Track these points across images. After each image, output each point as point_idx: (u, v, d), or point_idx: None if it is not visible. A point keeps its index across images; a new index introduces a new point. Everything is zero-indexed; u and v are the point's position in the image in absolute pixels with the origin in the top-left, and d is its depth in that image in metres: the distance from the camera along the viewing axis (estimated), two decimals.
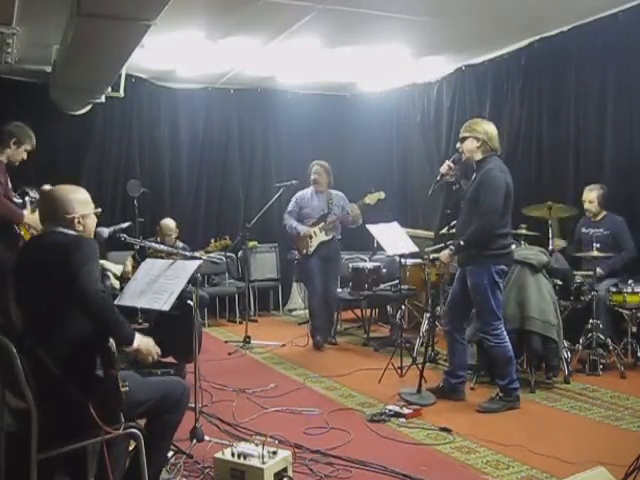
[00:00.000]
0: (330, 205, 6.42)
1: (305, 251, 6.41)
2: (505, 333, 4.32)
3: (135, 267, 5.92)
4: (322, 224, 6.37)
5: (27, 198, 4.86)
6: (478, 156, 4.34)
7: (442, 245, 6.08)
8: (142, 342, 2.63)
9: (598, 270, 5.22)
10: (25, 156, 4.83)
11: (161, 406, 2.70)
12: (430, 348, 5.59)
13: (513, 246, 4.49)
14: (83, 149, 7.56)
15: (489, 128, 4.36)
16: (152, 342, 2.68)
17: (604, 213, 5.59)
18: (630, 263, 5.42)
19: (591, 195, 5.56)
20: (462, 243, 4.24)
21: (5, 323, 2.48)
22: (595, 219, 5.61)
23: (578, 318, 5.19)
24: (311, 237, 6.36)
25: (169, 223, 6.48)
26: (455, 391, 4.51)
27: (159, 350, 2.71)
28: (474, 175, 4.39)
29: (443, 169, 4.47)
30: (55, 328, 2.48)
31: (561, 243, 5.58)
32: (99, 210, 2.85)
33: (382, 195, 6.38)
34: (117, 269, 6.57)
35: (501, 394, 4.30)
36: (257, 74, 7.77)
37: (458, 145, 4.44)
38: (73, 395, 2.36)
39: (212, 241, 6.04)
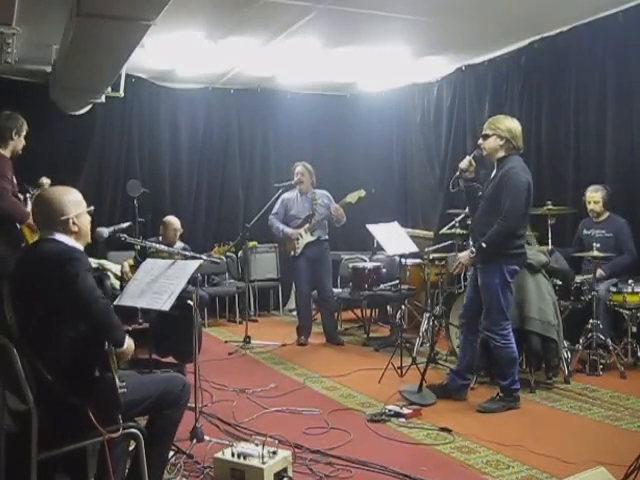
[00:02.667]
0: (314, 205, 6.48)
1: (293, 253, 6.47)
2: (512, 334, 4.29)
3: (134, 267, 5.94)
4: (307, 225, 6.42)
5: (28, 195, 4.86)
6: (500, 154, 4.24)
7: (442, 245, 6.14)
8: (129, 344, 2.66)
9: (599, 272, 5.21)
10: (24, 142, 4.84)
11: (161, 402, 2.70)
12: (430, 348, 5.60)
13: (525, 246, 4.41)
14: (83, 149, 7.56)
15: (513, 126, 4.24)
16: (132, 345, 2.69)
17: (607, 214, 5.58)
18: (631, 266, 5.41)
19: (596, 196, 5.54)
20: (484, 245, 4.14)
21: (5, 326, 2.48)
22: (597, 220, 5.60)
23: (578, 318, 5.18)
24: (298, 239, 6.40)
25: (174, 220, 6.50)
26: (459, 391, 4.51)
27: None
28: (494, 173, 4.29)
29: (463, 165, 4.34)
30: (51, 335, 2.49)
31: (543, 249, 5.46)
32: (92, 208, 2.85)
33: (362, 193, 6.38)
34: (117, 269, 6.57)
35: (501, 394, 4.30)
36: (257, 74, 7.78)
37: (480, 141, 4.33)
38: (70, 399, 2.37)
39: (215, 246, 6.03)
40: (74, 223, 2.69)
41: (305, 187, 6.53)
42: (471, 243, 4.47)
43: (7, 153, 4.70)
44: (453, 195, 4.91)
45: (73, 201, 2.74)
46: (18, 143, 4.77)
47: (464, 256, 4.33)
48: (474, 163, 4.34)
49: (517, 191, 4.11)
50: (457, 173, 4.41)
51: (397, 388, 4.63)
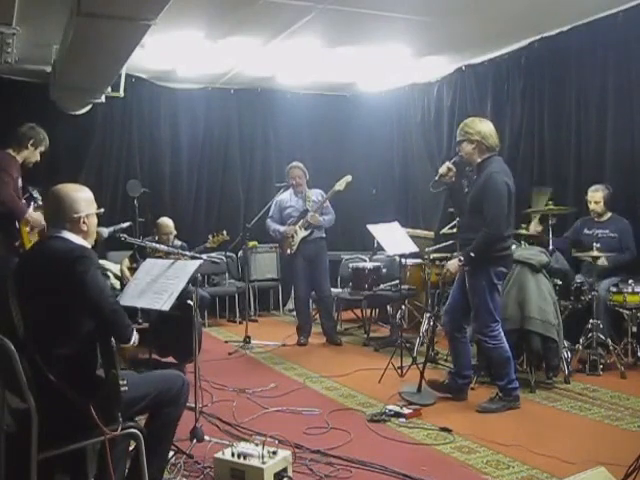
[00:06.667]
0: (308, 202, 6.52)
1: (289, 251, 6.50)
2: (502, 334, 4.32)
3: (132, 268, 5.95)
4: (302, 221, 6.44)
5: (32, 202, 4.88)
6: (477, 158, 4.28)
7: (443, 245, 6.14)
8: (135, 339, 2.68)
9: (602, 260, 5.16)
10: (39, 158, 4.88)
11: (161, 400, 2.71)
12: (430, 348, 5.60)
13: (513, 247, 4.46)
14: (83, 149, 7.56)
15: (482, 127, 4.28)
16: (137, 339, 2.71)
17: (609, 214, 5.57)
18: (629, 265, 5.41)
19: (597, 196, 5.53)
20: (472, 254, 4.17)
21: (6, 325, 2.48)
22: (599, 219, 5.59)
23: (578, 318, 5.19)
24: (293, 236, 6.43)
25: (167, 222, 6.47)
26: (460, 391, 4.51)
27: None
28: (475, 176, 4.35)
29: (442, 170, 4.43)
30: (58, 332, 2.49)
31: (538, 228, 5.48)
32: (101, 210, 2.87)
33: (349, 178, 6.41)
34: (117, 269, 6.58)
35: (500, 394, 4.30)
36: (257, 74, 7.78)
37: (458, 149, 4.41)
38: (73, 398, 2.37)
39: (210, 237, 6.04)
40: (84, 222, 2.70)
41: (302, 188, 6.57)
42: (458, 247, 4.49)
43: (19, 158, 4.75)
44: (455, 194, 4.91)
45: (86, 200, 2.75)
46: (32, 155, 4.84)
47: (452, 264, 4.36)
48: (454, 169, 4.40)
49: (498, 198, 4.14)
50: (436, 178, 4.48)
51: (397, 388, 4.63)
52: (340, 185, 6.40)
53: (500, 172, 4.21)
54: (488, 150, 4.27)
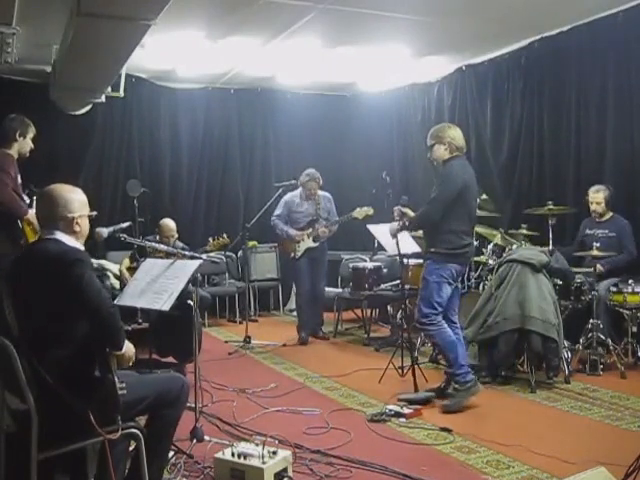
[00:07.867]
0: (318, 210, 6.51)
1: (293, 254, 6.52)
2: (443, 322, 4.35)
3: (132, 268, 5.94)
4: (310, 230, 6.44)
5: (34, 197, 4.87)
6: (445, 157, 4.44)
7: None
8: (128, 347, 2.64)
9: (598, 267, 5.20)
10: (32, 145, 4.87)
11: (160, 402, 2.70)
12: (432, 348, 5.61)
13: (470, 246, 4.49)
14: (83, 149, 7.57)
15: (452, 130, 4.48)
16: (133, 348, 2.68)
17: (610, 214, 5.58)
18: (629, 266, 5.41)
19: (598, 196, 5.54)
20: (407, 223, 4.56)
21: (4, 325, 2.47)
22: (600, 219, 5.60)
23: (578, 318, 5.19)
24: (299, 242, 6.43)
25: (170, 224, 6.44)
26: None
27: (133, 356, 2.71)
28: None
29: (396, 218, 4.65)
30: (53, 335, 2.48)
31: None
32: (94, 213, 2.85)
33: (370, 211, 6.38)
34: (117, 269, 6.57)
35: (456, 385, 4.28)
36: (257, 74, 7.78)
37: (428, 155, 4.54)
38: (70, 401, 2.36)
39: (210, 240, 6.04)
40: (77, 223, 2.69)
41: (315, 196, 6.56)
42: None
43: (14, 153, 4.74)
44: None
45: (80, 201, 2.74)
46: (24, 145, 4.80)
47: (392, 225, 4.67)
48: (404, 210, 4.63)
49: (446, 183, 4.34)
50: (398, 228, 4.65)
51: (398, 388, 4.63)
52: (359, 214, 6.39)
53: (457, 165, 4.39)
54: (457, 150, 4.43)
